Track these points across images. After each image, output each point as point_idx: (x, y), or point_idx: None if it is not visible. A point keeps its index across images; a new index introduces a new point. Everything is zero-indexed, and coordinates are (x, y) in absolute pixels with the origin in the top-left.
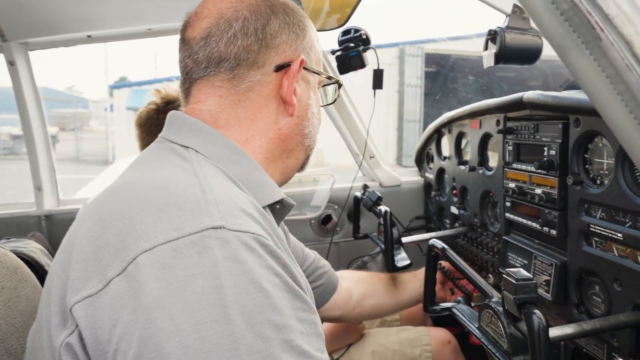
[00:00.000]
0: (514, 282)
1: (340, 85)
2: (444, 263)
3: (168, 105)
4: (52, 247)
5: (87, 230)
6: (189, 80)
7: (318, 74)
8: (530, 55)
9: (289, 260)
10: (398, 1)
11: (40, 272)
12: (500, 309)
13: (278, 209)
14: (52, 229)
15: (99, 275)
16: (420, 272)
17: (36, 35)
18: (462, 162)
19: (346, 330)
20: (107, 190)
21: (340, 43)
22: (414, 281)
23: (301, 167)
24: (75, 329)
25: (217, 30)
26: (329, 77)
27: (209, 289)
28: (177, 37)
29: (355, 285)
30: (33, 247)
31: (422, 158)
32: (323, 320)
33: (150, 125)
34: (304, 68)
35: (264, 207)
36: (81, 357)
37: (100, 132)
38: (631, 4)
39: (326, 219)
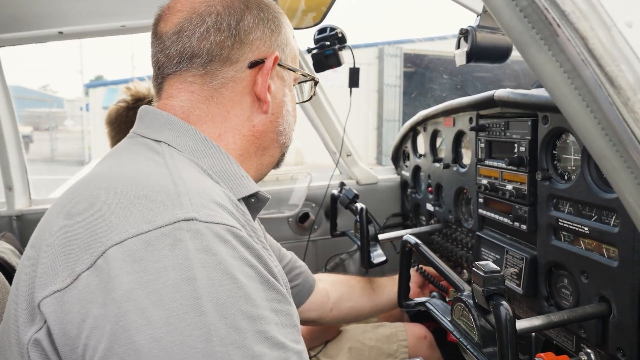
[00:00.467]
0: (482, 274)
1: (316, 83)
2: (425, 267)
3: (138, 102)
4: (23, 247)
5: (55, 224)
6: (161, 75)
7: (294, 71)
8: (500, 53)
9: (263, 252)
10: (376, 1)
11: (10, 273)
12: (471, 301)
13: (253, 203)
14: (24, 229)
15: (68, 269)
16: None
17: (5, 31)
18: (437, 159)
19: (323, 327)
20: (76, 184)
21: (316, 41)
22: (391, 285)
23: (276, 164)
24: (44, 324)
25: (190, 25)
26: (305, 75)
27: (181, 281)
28: None
29: (333, 288)
30: (3, 248)
31: (399, 156)
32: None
33: (120, 123)
34: (279, 65)
35: (238, 200)
36: (50, 353)
37: (75, 132)
38: (586, 1)
39: (304, 217)
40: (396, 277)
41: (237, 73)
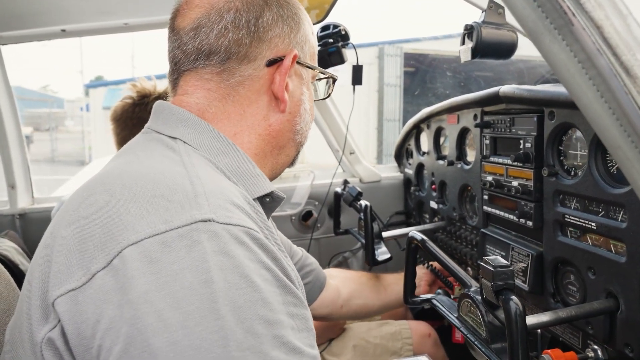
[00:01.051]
0: (492, 269)
1: (334, 81)
2: (434, 264)
3: (144, 99)
4: (26, 245)
5: (70, 222)
6: (177, 71)
7: (312, 69)
8: (505, 49)
9: (280, 254)
10: (377, 1)
11: (14, 271)
12: (479, 297)
13: (268, 202)
14: (26, 227)
15: (83, 268)
16: None
17: (8, 28)
18: (440, 156)
19: (328, 325)
20: (91, 181)
21: (319, 39)
22: (401, 282)
23: (291, 163)
24: (58, 323)
25: (208, 21)
26: (323, 72)
27: (198, 284)
28: (155, 32)
29: (343, 284)
30: (6, 246)
31: (402, 154)
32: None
33: (126, 120)
34: (298, 62)
35: (254, 200)
36: (63, 353)
37: (76, 132)
38: None
39: (307, 215)
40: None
41: (254, 71)
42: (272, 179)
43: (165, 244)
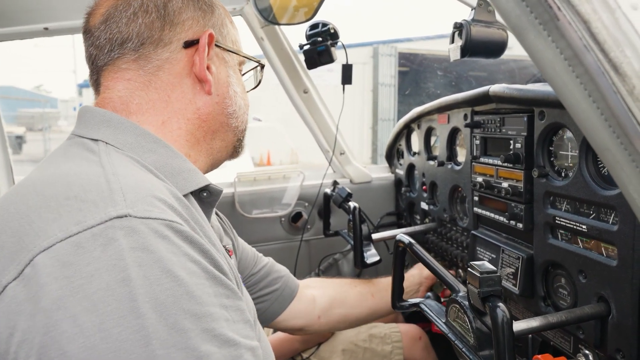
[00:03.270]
0: (478, 275)
1: (262, 67)
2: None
3: None
4: None
5: None
6: (95, 70)
7: (235, 54)
8: (495, 48)
9: (209, 246)
10: (371, 0)
11: None
12: (466, 303)
13: (205, 197)
14: None
15: None
16: None
17: None
18: (431, 157)
19: None
20: (6, 193)
21: (308, 37)
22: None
23: (235, 151)
24: None
25: (116, 11)
26: (248, 58)
27: (115, 283)
28: None
29: (322, 293)
30: None
31: (393, 154)
32: (284, 331)
33: None
34: (217, 45)
35: (187, 195)
36: None
37: (69, 132)
38: None
39: (296, 217)
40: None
41: (172, 54)
42: (212, 167)
43: (78, 246)
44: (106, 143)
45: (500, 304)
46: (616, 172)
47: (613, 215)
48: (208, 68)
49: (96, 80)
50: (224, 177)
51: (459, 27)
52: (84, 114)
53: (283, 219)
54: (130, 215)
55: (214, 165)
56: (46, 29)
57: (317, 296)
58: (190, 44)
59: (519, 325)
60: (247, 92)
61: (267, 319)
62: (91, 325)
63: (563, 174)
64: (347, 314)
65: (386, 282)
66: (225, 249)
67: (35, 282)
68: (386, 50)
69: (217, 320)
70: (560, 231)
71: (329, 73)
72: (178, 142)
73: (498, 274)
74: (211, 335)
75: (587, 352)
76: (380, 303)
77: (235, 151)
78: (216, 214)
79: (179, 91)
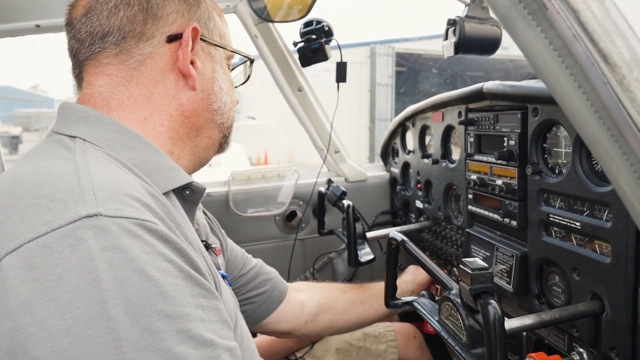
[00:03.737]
0: (470, 272)
1: (251, 62)
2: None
3: None
4: None
5: None
6: (77, 64)
7: (223, 48)
8: (489, 45)
9: (185, 245)
10: (368, 0)
11: None
12: (459, 300)
13: (188, 195)
14: None
15: None
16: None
17: None
18: (425, 155)
19: None
20: None
21: (302, 35)
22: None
23: (220, 148)
24: None
25: (97, 3)
26: (236, 52)
27: (85, 285)
28: None
29: (310, 298)
30: None
31: (388, 152)
32: (270, 334)
33: None
34: (203, 39)
35: (168, 193)
36: None
37: None
38: None
39: (291, 215)
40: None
41: (155, 49)
42: (197, 165)
43: (46, 247)
44: (84, 140)
45: (492, 301)
46: (607, 165)
47: (607, 212)
48: (192, 63)
49: (78, 74)
50: (218, 175)
51: (452, 24)
52: (63, 111)
53: (277, 218)
54: (100, 215)
55: (199, 163)
56: (38, 26)
57: (306, 300)
58: (174, 38)
59: (512, 323)
60: (236, 87)
61: (254, 321)
62: (59, 329)
63: (557, 171)
64: (335, 320)
65: (378, 288)
66: (213, 249)
67: (1, 285)
68: (383, 50)
69: (192, 321)
70: (554, 228)
71: (326, 73)
72: (160, 139)
73: (490, 270)
74: (186, 336)
75: (581, 350)
76: (369, 311)
77: (220, 147)
78: (204, 213)
79: (162, 87)
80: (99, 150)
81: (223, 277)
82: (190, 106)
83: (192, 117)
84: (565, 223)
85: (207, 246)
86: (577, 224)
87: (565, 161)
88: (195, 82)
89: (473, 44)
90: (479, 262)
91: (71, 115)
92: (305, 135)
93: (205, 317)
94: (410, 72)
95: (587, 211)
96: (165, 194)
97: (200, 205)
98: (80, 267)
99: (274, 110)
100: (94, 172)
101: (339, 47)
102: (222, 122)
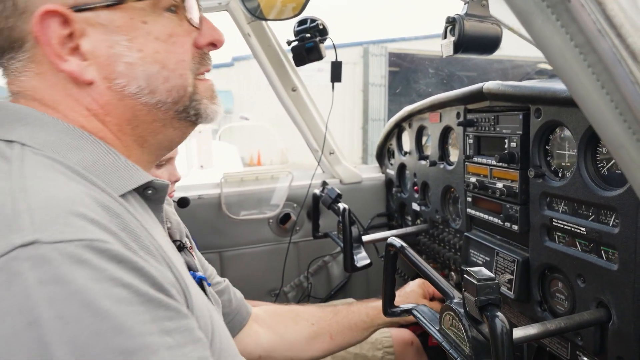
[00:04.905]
0: (476, 282)
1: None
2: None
3: None
4: None
5: None
6: None
7: (117, 4)
8: (489, 43)
9: (144, 261)
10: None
11: None
12: (462, 310)
13: (151, 194)
14: None
15: None
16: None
17: None
18: (422, 157)
19: None
20: None
21: (296, 34)
22: (359, 312)
23: (187, 122)
24: None
25: None
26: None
27: (23, 328)
28: None
29: (268, 332)
30: None
31: (383, 154)
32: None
33: None
34: (82, 10)
35: (125, 195)
36: None
37: None
38: None
39: (284, 218)
40: (374, 302)
41: (28, 52)
42: (155, 156)
43: None
44: (22, 144)
45: (499, 314)
46: (631, 171)
47: (614, 217)
48: (77, 50)
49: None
50: (210, 177)
51: (451, 22)
52: None
53: (271, 221)
54: (38, 242)
55: (156, 153)
56: None
57: (263, 335)
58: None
59: (516, 333)
60: (179, 40)
61: None
62: None
63: (560, 174)
64: (294, 356)
65: (355, 317)
66: (188, 249)
67: None
68: (376, 50)
69: (156, 352)
70: (558, 233)
71: (319, 73)
72: (107, 136)
73: (496, 281)
74: None
75: (585, 359)
76: (340, 344)
77: (194, 119)
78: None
79: (61, 91)
80: (41, 155)
81: (201, 279)
82: (102, 102)
83: (112, 112)
84: (569, 228)
85: (182, 247)
86: (582, 229)
87: (569, 164)
88: (81, 74)
89: (473, 42)
90: (484, 271)
91: (7, 117)
92: (298, 135)
93: (172, 342)
94: (404, 72)
95: (593, 216)
96: (124, 196)
97: (171, 202)
98: (16, 307)
99: (267, 109)
100: (32, 189)
101: (333, 46)
102: (159, 100)
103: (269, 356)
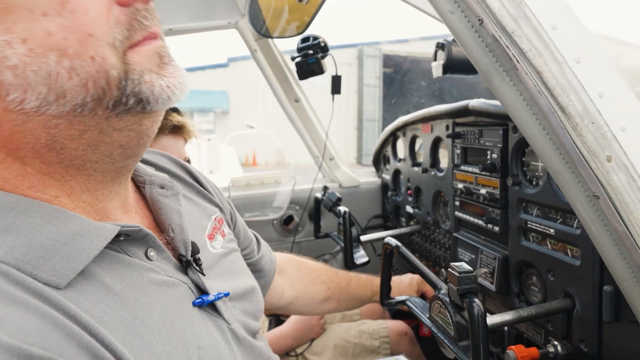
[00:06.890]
0: (457, 274)
1: None
2: None
3: None
4: None
5: None
6: None
7: None
8: (474, 66)
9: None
10: (356, 2)
11: None
12: (447, 299)
13: (127, 240)
14: None
15: None
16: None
17: None
18: (415, 163)
19: (308, 327)
20: None
21: (300, 50)
22: (364, 292)
23: (136, 112)
24: None
25: None
26: None
27: None
28: None
29: (291, 288)
30: None
31: (379, 159)
32: None
33: None
34: None
35: (83, 271)
36: None
37: None
38: (541, 40)
39: (288, 220)
40: (375, 279)
41: None
42: (121, 168)
43: None
44: None
45: (476, 300)
46: (566, 191)
47: (577, 220)
48: None
49: None
50: (217, 181)
51: (440, 47)
52: None
53: (275, 222)
54: None
55: (116, 172)
56: None
57: (286, 290)
58: None
59: (493, 319)
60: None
61: None
62: None
63: (534, 182)
64: (304, 311)
65: (364, 289)
66: (198, 263)
67: None
68: (370, 51)
69: None
70: (532, 234)
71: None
72: (37, 185)
73: (474, 273)
74: None
75: (555, 342)
76: (341, 309)
77: (134, 112)
78: (198, 181)
79: None
80: None
81: (215, 299)
82: (5, 134)
83: (23, 141)
84: (541, 229)
85: (189, 263)
86: (552, 230)
87: (541, 174)
88: None
89: (459, 65)
90: (465, 266)
91: None
92: (296, 137)
93: None
94: (397, 73)
95: (560, 219)
96: (82, 272)
97: (180, 197)
98: None
99: (263, 109)
100: None
101: (334, 61)
102: (75, 104)
103: (286, 308)
